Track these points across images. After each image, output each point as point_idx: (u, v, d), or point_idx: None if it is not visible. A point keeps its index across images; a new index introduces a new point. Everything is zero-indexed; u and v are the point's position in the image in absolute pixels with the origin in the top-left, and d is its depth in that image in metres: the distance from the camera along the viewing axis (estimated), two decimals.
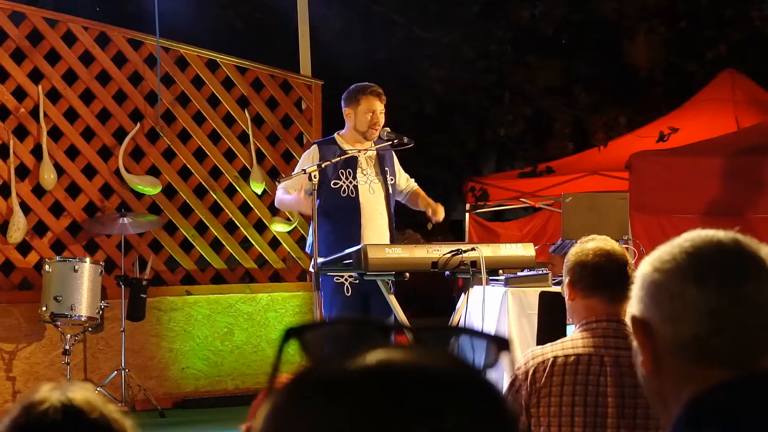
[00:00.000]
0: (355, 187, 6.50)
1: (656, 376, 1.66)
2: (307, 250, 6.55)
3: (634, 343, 1.70)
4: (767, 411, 1.59)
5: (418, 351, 1.02)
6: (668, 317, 1.64)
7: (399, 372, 0.97)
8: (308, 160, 6.51)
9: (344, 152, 6.49)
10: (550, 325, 5.73)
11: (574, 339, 3.34)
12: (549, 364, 3.29)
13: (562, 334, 3.93)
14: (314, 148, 6.62)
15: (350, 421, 0.94)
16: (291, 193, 6.52)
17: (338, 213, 6.45)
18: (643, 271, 1.69)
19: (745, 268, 1.64)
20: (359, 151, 6.53)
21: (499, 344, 1.12)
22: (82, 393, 1.79)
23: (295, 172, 6.59)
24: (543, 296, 6.05)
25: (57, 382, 1.79)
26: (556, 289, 6.14)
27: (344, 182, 6.50)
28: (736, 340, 1.62)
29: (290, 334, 1.08)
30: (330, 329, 1.10)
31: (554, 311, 5.45)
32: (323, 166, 6.30)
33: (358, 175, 6.52)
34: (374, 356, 0.97)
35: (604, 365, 3.26)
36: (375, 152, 6.57)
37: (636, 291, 1.69)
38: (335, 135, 6.66)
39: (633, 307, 1.69)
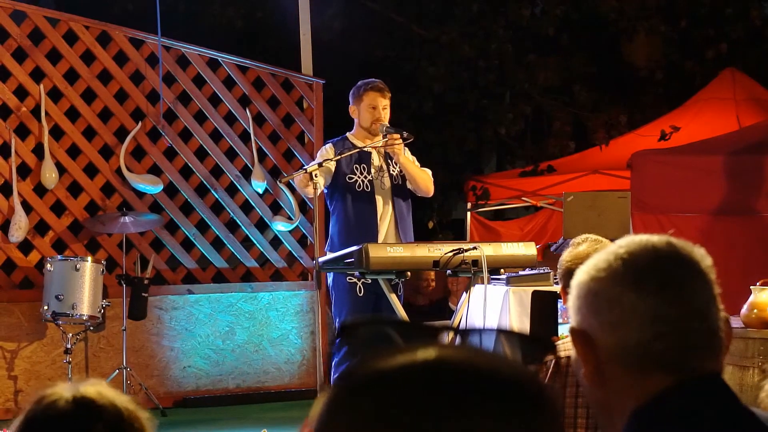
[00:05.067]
0: (370, 182, 6.55)
1: (600, 387, 1.63)
2: (326, 249, 6.58)
3: (574, 355, 1.66)
4: (713, 413, 1.58)
5: (468, 349, 1.03)
6: (608, 325, 1.61)
7: (454, 368, 0.98)
8: (324, 157, 6.57)
9: (356, 148, 6.56)
10: (540, 324, 5.72)
11: None
12: (551, 365, 3.29)
13: (553, 332, 3.92)
14: (329, 146, 6.67)
15: (402, 412, 0.95)
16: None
17: (354, 208, 6.49)
18: (578, 279, 1.66)
19: (682, 271, 1.63)
20: (372, 147, 6.58)
21: (545, 345, 1.14)
22: (94, 387, 1.80)
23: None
24: (534, 295, 6.05)
25: (67, 381, 1.80)
26: (550, 288, 6.12)
27: (359, 177, 6.54)
28: (677, 344, 1.60)
29: (343, 329, 1.11)
30: (379, 328, 1.12)
31: (544, 310, 5.43)
32: (338, 158, 6.41)
33: (372, 170, 6.56)
34: (426, 353, 0.98)
35: None
36: (382, 148, 6.62)
37: (573, 301, 1.66)
38: (346, 135, 6.73)
39: (571, 318, 1.66)
